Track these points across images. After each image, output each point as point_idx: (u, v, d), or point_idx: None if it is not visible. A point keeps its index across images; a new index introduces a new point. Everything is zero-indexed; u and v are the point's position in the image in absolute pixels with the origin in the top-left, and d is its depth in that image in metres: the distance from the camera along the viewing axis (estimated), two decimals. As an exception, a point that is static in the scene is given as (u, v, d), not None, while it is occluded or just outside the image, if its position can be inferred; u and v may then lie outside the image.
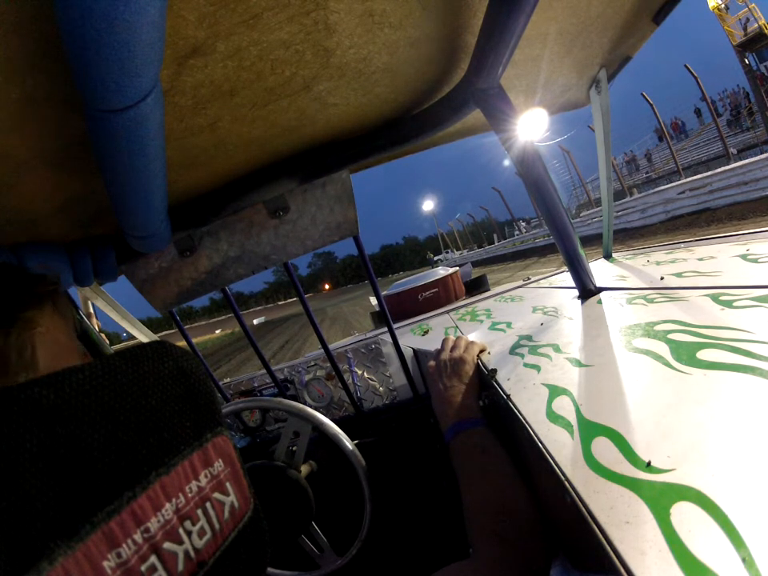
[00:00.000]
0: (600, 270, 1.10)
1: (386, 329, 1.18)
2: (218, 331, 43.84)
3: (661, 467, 0.29)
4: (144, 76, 0.34)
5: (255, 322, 40.11)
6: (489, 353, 0.70)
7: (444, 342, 0.74)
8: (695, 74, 13.95)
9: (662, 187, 12.53)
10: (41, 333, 0.28)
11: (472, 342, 0.71)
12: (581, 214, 17.87)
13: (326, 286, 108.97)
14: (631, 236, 12.08)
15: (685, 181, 11.69)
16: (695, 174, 12.58)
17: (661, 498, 0.27)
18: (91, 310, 1.08)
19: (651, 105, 14.50)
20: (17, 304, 0.28)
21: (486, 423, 0.57)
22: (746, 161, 10.00)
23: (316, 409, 1.02)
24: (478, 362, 0.67)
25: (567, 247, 0.78)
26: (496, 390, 0.55)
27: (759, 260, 0.68)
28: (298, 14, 0.43)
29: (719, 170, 10.62)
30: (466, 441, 0.55)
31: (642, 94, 14.69)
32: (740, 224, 7.82)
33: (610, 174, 1.11)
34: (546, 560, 0.41)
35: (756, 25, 14.58)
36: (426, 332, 1.27)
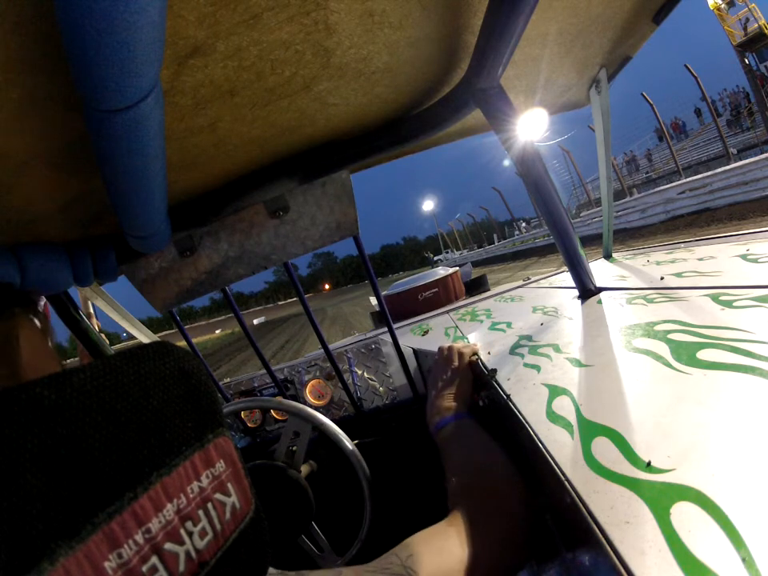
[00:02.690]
0: (600, 270, 1.10)
1: (386, 329, 1.18)
2: (218, 331, 43.81)
3: (661, 467, 0.29)
4: (144, 76, 0.34)
5: (255, 322, 40.05)
6: (489, 353, 0.70)
7: (438, 352, 0.75)
8: (695, 74, 13.93)
9: (662, 187, 12.52)
10: (23, 327, 0.29)
11: (461, 352, 0.71)
12: (581, 214, 17.87)
13: (326, 286, 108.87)
14: (631, 236, 12.08)
15: (685, 181, 11.68)
16: (695, 174, 12.57)
17: (661, 498, 0.27)
18: (91, 310, 1.08)
19: (651, 105, 14.50)
20: (2, 299, 0.28)
21: (470, 415, 0.60)
22: (746, 161, 9.99)
23: (316, 409, 1.02)
24: (477, 362, 0.67)
25: (567, 247, 0.78)
26: (496, 390, 0.55)
27: (759, 260, 0.68)
28: (298, 13, 0.43)
29: (719, 170, 10.60)
30: (450, 429, 0.59)
31: (642, 94, 14.67)
32: (740, 224, 7.81)
33: (610, 174, 1.11)
34: (524, 505, 0.44)
35: (756, 25, 14.56)
36: (426, 332, 1.27)
